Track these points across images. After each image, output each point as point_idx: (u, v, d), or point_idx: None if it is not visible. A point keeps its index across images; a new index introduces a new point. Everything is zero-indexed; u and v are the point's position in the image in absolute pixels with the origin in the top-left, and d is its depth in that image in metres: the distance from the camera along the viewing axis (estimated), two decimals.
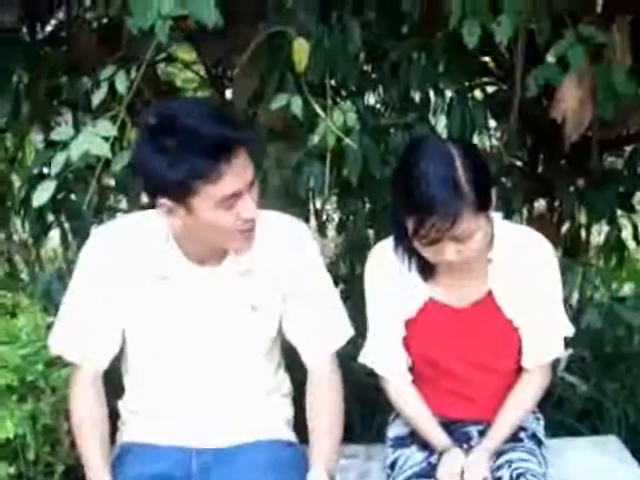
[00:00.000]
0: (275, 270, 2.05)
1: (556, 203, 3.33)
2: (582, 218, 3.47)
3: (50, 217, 3.05)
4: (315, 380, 2.10)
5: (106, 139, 2.24)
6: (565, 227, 3.45)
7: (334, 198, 3.27)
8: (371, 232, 3.34)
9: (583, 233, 3.47)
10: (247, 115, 2.84)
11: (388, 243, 2.13)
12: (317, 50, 2.48)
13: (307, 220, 3.09)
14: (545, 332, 2.12)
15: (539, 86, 2.43)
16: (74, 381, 2.07)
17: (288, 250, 2.06)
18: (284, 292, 2.07)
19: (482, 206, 1.93)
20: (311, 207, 3.07)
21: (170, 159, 1.80)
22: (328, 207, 3.34)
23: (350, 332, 2.16)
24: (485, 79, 3.24)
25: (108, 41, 3.00)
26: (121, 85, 2.32)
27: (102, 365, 2.07)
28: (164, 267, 2.00)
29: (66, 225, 3.07)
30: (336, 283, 3.76)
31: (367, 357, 2.20)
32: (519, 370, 2.16)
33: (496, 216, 2.06)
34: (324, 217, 3.28)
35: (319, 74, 2.53)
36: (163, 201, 1.87)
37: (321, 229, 3.19)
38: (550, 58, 2.81)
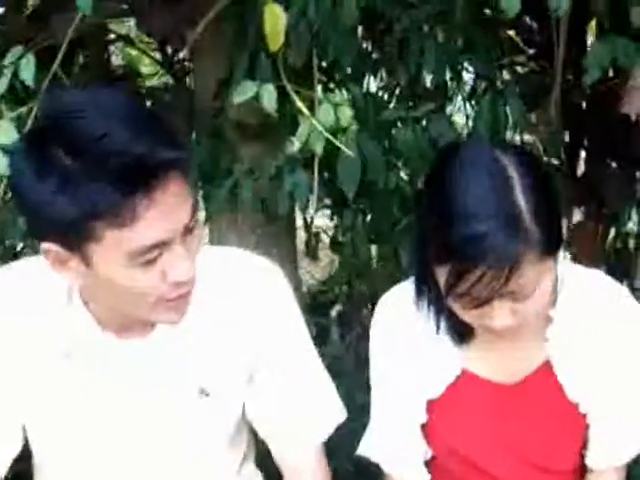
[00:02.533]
0: (235, 338, 1.43)
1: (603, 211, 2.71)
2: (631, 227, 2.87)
3: None
4: None
5: (4, 150, 1.62)
6: (610, 239, 2.85)
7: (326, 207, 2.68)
8: (373, 248, 2.74)
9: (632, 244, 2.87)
10: (213, 108, 2.23)
11: (406, 289, 1.50)
12: (300, 21, 1.86)
13: (292, 239, 2.49)
14: (624, 422, 1.50)
15: (602, 69, 1.80)
16: None
17: (254, 309, 1.44)
18: (250, 368, 1.46)
19: (551, 247, 1.31)
20: (297, 222, 2.45)
21: (58, 185, 1.18)
22: (319, 220, 2.71)
23: (340, 416, 1.55)
24: (514, 58, 2.61)
25: (39, 19, 2.37)
26: (27, 72, 1.69)
27: None
28: (69, 339, 1.39)
29: None
30: (325, 314, 3.22)
31: (370, 448, 1.58)
32: (581, 469, 1.54)
33: (562, 255, 1.42)
34: (314, 234, 2.65)
35: (302, 54, 1.91)
36: (48, 246, 1.25)
37: (311, 250, 2.56)
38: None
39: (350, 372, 3.16)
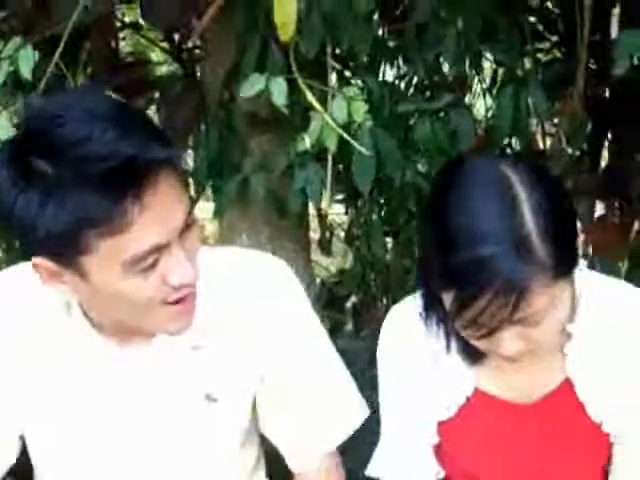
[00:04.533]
0: (242, 341, 1.37)
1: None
2: None
3: None
4: None
5: None
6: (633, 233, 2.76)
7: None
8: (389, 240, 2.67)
9: None
10: (222, 99, 2.14)
11: (413, 305, 1.42)
12: (312, 8, 1.77)
13: (306, 232, 2.41)
14: None
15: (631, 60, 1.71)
16: None
17: (262, 310, 1.37)
18: (260, 371, 1.39)
19: (563, 271, 1.21)
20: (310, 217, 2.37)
21: (41, 197, 1.13)
22: (331, 210, 2.63)
23: (361, 414, 1.47)
24: (537, 46, 2.50)
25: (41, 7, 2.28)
26: (26, 66, 1.61)
27: None
28: (68, 349, 1.33)
29: None
30: (340, 307, 3.13)
31: (380, 468, 1.50)
32: None
33: (581, 265, 1.32)
34: (328, 228, 2.57)
35: (315, 44, 1.82)
36: (38, 261, 1.19)
37: (325, 244, 2.48)
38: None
39: (365, 368, 3.10)
